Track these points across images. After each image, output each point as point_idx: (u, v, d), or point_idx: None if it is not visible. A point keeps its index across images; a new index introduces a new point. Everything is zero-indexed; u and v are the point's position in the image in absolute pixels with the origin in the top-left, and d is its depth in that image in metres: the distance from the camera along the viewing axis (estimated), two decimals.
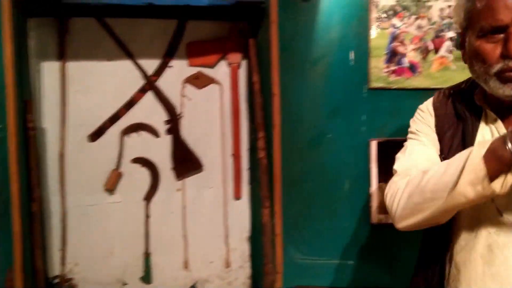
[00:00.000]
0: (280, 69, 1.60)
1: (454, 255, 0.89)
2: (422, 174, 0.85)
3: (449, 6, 1.53)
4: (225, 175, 1.75)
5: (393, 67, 1.57)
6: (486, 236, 0.83)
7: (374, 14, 1.55)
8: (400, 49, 1.57)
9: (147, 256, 1.67)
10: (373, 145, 1.59)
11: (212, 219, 1.74)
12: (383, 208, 1.60)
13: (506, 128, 0.83)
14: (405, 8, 1.54)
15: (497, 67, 0.78)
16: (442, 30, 1.55)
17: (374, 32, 1.56)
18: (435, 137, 0.95)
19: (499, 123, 0.85)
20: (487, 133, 0.86)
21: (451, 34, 1.54)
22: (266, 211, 1.64)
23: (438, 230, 0.89)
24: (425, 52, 1.56)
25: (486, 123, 0.87)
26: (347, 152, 1.61)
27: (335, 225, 1.64)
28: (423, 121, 0.99)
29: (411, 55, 1.57)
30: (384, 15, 1.55)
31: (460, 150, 0.81)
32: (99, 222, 1.63)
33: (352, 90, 1.60)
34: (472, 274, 0.83)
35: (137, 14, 1.61)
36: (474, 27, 0.79)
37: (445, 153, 0.89)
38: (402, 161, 0.97)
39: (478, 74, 0.82)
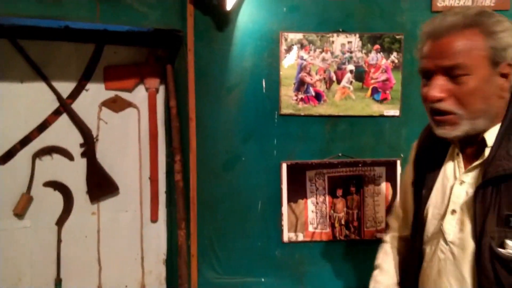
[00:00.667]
0: (196, 95, 1.74)
1: (419, 277, 1.01)
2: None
3: (349, 42, 1.76)
4: (142, 198, 1.83)
5: (301, 95, 1.77)
6: (438, 261, 0.93)
7: (283, 47, 1.74)
8: (307, 79, 1.77)
9: (58, 282, 1.70)
10: (284, 167, 1.76)
11: (128, 242, 1.81)
12: (293, 227, 1.77)
13: (464, 163, 0.93)
14: (311, 42, 1.75)
15: (428, 109, 0.91)
16: (343, 63, 1.77)
17: (284, 63, 1.75)
18: (410, 175, 1.08)
19: (460, 157, 0.94)
20: (449, 167, 0.96)
21: (351, 67, 1.77)
22: (182, 233, 1.74)
23: (412, 252, 1.04)
24: (329, 82, 1.77)
25: (452, 157, 0.96)
26: (259, 174, 1.77)
27: (248, 244, 1.78)
28: (409, 159, 1.14)
29: (317, 84, 1.77)
30: (293, 48, 1.75)
31: (433, 184, 0.98)
32: (6, 248, 1.65)
33: (265, 116, 1.77)
34: None
35: (53, 36, 1.68)
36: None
37: (427, 185, 1.00)
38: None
39: None
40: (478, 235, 0.85)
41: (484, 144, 0.89)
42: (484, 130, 0.88)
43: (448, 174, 0.96)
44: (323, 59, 1.75)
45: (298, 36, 1.72)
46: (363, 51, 1.74)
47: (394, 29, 1.74)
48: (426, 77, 0.89)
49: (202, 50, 1.71)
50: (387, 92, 1.75)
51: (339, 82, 1.75)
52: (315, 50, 1.74)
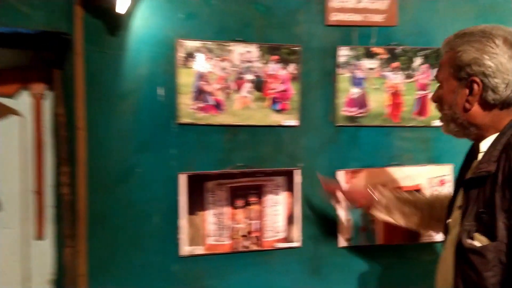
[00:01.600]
0: (87, 102, 1.72)
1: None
2: None
3: (248, 52, 1.85)
4: (25, 213, 1.77)
5: (200, 104, 1.82)
6: (443, 251, 1.18)
7: (181, 54, 1.79)
8: (206, 87, 1.83)
9: None
10: (182, 179, 1.80)
11: (9, 263, 1.73)
12: (192, 240, 1.81)
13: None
14: (209, 50, 1.81)
15: None
16: (243, 73, 1.85)
17: (181, 71, 1.79)
18: None
19: (475, 162, 1.14)
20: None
21: (250, 76, 1.86)
22: (69, 250, 1.71)
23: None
24: (228, 91, 1.85)
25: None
26: (156, 186, 1.79)
27: (144, 260, 1.78)
28: None
29: (216, 93, 1.84)
30: (191, 55, 1.80)
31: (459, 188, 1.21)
32: None
33: (161, 125, 1.79)
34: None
35: None
36: None
37: (455, 190, 1.25)
38: None
39: None
40: (461, 227, 1.04)
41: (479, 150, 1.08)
42: (481, 138, 1.09)
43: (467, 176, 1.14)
44: (222, 68, 1.82)
45: (196, 43, 1.78)
46: (262, 61, 1.84)
47: (292, 40, 1.85)
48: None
49: (94, 54, 1.70)
50: (286, 102, 1.86)
51: (238, 91, 1.83)
52: (214, 59, 1.80)
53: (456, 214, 1.13)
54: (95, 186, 1.70)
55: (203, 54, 1.77)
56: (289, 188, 1.84)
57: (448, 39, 1.11)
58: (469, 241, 0.99)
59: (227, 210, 1.79)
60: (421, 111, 1.91)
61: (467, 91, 1.06)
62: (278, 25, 1.84)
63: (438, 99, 1.16)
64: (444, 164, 1.90)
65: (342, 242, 1.88)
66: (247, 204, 1.82)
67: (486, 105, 1.06)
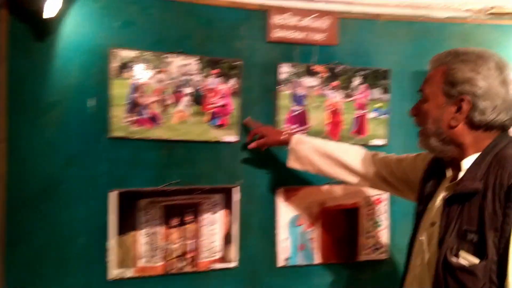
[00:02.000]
0: (9, 111, 1.62)
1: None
2: None
3: (188, 64, 1.83)
4: None
5: (134, 117, 1.76)
6: (415, 267, 1.22)
7: (115, 64, 1.73)
8: (141, 100, 1.78)
9: None
10: (112, 196, 1.72)
11: None
12: (122, 262, 1.73)
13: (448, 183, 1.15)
14: (146, 61, 1.77)
15: None
16: (181, 86, 1.82)
17: (115, 81, 1.73)
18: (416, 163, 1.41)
19: (448, 179, 1.18)
20: (441, 187, 1.20)
21: (189, 90, 1.83)
22: None
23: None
24: (165, 105, 1.81)
25: (444, 179, 1.20)
26: (84, 204, 1.70)
27: (68, 285, 1.68)
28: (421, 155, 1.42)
29: (152, 106, 1.79)
30: (126, 66, 1.75)
31: (428, 202, 1.22)
32: None
33: (91, 138, 1.71)
34: None
35: None
36: None
37: (423, 202, 1.25)
38: None
39: None
40: (440, 244, 1.04)
41: (460, 168, 1.08)
42: (461, 156, 1.09)
43: (438, 193, 1.17)
44: (159, 80, 1.78)
45: (132, 53, 1.73)
46: (202, 74, 1.82)
47: (233, 55, 1.85)
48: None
49: (19, 61, 1.61)
50: (226, 117, 1.85)
51: (176, 105, 1.80)
52: (150, 70, 1.76)
53: (430, 231, 1.13)
54: (15, 204, 1.59)
55: (139, 65, 1.72)
56: (227, 206, 1.82)
57: (439, 56, 1.14)
58: (455, 259, 1.00)
59: (161, 229, 1.74)
60: (360, 130, 1.97)
61: (454, 108, 1.08)
62: (219, 39, 1.83)
63: (418, 113, 1.17)
64: None
65: (280, 261, 1.88)
66: (183, 223, 1.78)
67: (471, 125, 1.08)
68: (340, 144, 1.69)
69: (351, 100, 1.95)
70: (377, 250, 1.97)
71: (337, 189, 1.90)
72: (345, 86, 1.94)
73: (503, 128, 1.09)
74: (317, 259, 1.91)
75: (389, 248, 2.00)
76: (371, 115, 1.95)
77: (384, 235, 1.97)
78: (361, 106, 1.96)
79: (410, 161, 1.44)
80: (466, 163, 1.08)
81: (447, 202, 1.07)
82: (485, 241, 0.96)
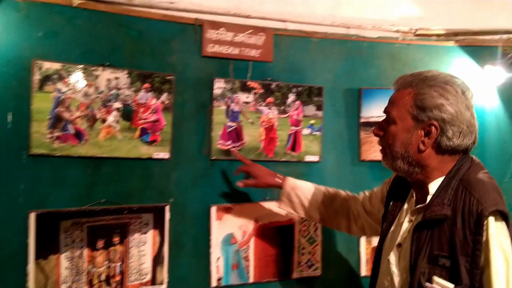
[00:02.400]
0: None
1: None
2: None
3: (116, 78, 1.79)
4: None
5: (57, 133, 1.69)
6: None
7: (37, 76, 1.66)
8: (66, 115, 1.71)
9: None
10: (32, 217, 1.64)
11: None
12: None
13: (415, 205, 1.21)
14: (71, 74, 1.71)
15: None
16: (109, 100, 1.78)
17: (36, 95, 1.66)
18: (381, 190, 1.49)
19: (413, 200, 1.23)
20: (406, 207, 1.25)
21: (118, 105, 1.79)
22: None
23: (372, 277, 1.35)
24: (92, 120, 1.75)
25: (409, 199, 1.26)
26: (1, 225, 1.61)
27: None
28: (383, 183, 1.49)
29: (77, 122, 1.73)
30: (49, 78, 1.68)
31: (393, 219, 1.27)
32: None
33: (9, 156, 1.61)
34: None
35: None
36: None
37: (388, 219, 1.28)
38: None
39: None
40: (412, 269, 1.07)
41: (427, 191, 1.12)
42: (426, 179, 1.14)
43: (403, 213, 1.22)
44: (86, 94, 1.73)
45: (56, 65, 1.67)
46: (132, 89, 1.79)
47: (165, 69, 1.84)
48: None
49: None
50: (157, 133, 1.83)
51: (104, 120, 1.75)
52: (76, 83, 1.71)
53: (397, 252, 1.18)
54: None
55: (64, 78, 1.67)
56: (158, 225, 1.80)
57: (405, 79, 1.16)
58: (429, 284, 1.04)
59: (85, 252, 1.68)
60: (294, 146, 2.02)
61: (423, 133, 1.12)
62: (151, 52, 1.82)
63: (384, 133, 1.20)
64: None
65: (213, 281, 1.88)
66: (110, 244, 1.73)
67: (438, 149, 1.13)
68: (335, 190, 1.67)
69: (286, 117, 2.00)
70: (311, 267, 2.01)
71: (271, 206, 1.93)
72: (280, 103, 1.98)
73: (465, 151, 1.15)
74: (251, 277, 1.92)
75: (322, 265, 2.04)
76: (305, 131, 2.01)
77: (317, 251, 2.02)
78: (296, 123, 2.01)
79: (379, 192, 1.49)
80: (433, 187, 1.13)
81: (416, 226, 1.11)
82: (457, 266, 1.01)
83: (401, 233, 1.18)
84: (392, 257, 1.18)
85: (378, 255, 1.28)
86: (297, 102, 1.98)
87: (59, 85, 1.65)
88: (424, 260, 1.06)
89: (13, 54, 1.59)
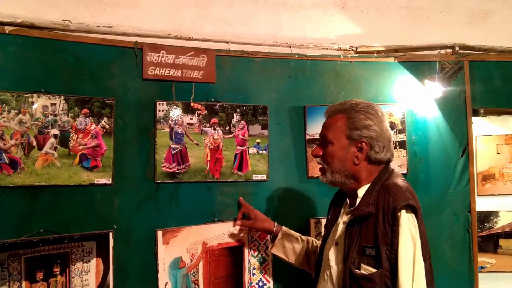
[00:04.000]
0: None
1: None
2: None
3: (53, 104, 1.77)
4: None
5: None
6: (323, 281, 1.49)
7: None
8: None
9: None
10: None
11: None
12: None
13: (347, 209, 1.46)
14: (4, 102, 1.69)
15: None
16: (46, 127, 1.76)
17: None
18: None
19: (347, 206, 1.49)
20: (341, 212, 1.52)
21: (55, 131, 1.77)
22: None
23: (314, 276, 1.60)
24: (27, 148, 1.72)
25: (344, 206, 1.51)
26: None
27: None
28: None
29: (12, 150, 1.70)
30: None
31: (332, 225, 1.54)
32: None
33: None
34: None
35: None
36: None
37: (328, 226, 1.56)
38: None
39: None
40: (345, 260, 1.32)
41: (357, 196, 1.39)
42: (357, 187, 1.40)
43: (339, 217, 1.48)
44: (20, 122, 1.70)
45: None
46: (70, 114, 1.78)
47: (105, 93, 1.84)
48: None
49: None
50: (98, 159, 1.81)
51: (40, 148, 1.72)
52: (9, 111, 1.68)
53: (335, 250, 1.43)
54: None
55: None
56: (101, 253, 1.77)
57: (335, 107, 1.44)
58: (358, 271, 1.27)
59: (24, 285, 1.64)
60: (241, 166, 2.04)
61: (355, 149, 1.39)
62: (89, 77, 1.82)
63: (322, 154, 1.45)
64: None
65: None
66: (50, 275, 1.69)
67: (369, 162, 1.41)
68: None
69: (232, 137, 2.02)
70: (263, 287, 2.02)
71: (219, 228, 1.93)
72: (225, 123, 2.01)
73: (387, 162, 1.43)
74: None
75: (273, 284, 2.05)
76: (252, 151, 2.03)
77: (269, 270, 2.03)
78: (242, 142, 2.03)
79: None
80: (361, 192, 1.40)
81: (348, 224, 1.36)
82: (380, 254, 1.24)
83: (337, 233, 1.44)
84: (331, 254, 1.43)
85: (320, 256, 1.53)
86: (242, 122, 2.01)
87: None
88: (355, 251, 1.30)
89: None
